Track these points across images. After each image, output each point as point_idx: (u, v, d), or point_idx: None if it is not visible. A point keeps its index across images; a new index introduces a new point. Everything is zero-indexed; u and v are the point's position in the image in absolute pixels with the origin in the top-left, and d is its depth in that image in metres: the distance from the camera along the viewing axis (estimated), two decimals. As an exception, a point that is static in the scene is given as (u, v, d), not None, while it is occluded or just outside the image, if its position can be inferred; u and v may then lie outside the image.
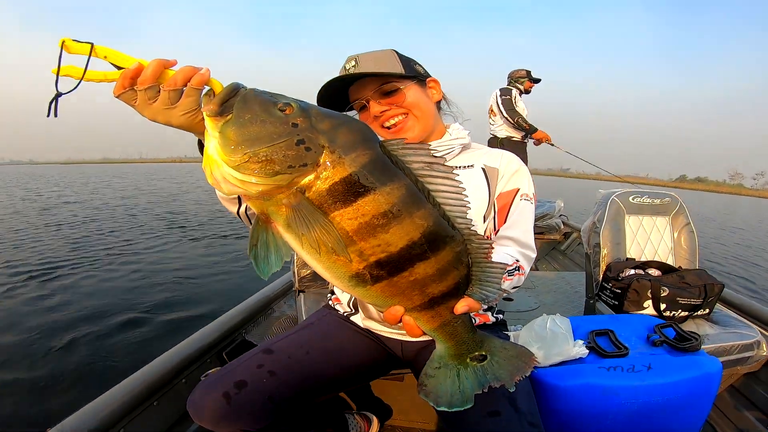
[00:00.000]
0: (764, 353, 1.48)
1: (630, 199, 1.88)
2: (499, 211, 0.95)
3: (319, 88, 0.92)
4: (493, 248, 0.59)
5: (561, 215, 3.53)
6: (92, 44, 0.50)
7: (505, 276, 0.83)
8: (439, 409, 0.62)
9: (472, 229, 0.57)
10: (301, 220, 0.50)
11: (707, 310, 1.59)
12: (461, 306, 0.59)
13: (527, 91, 3.97)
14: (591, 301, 1.71)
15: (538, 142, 4.01)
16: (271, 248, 0.53)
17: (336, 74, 0.93)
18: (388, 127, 0.94)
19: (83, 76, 0.50)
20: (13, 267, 4.30)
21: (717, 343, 1.42)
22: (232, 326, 1.61)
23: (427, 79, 1.00)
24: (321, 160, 0.49)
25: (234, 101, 0.49)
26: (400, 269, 0.54)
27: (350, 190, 0.50)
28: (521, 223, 0.94)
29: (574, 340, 1.07)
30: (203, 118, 0.50)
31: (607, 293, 1.63)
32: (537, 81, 3.99)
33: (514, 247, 0.92)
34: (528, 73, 3.93)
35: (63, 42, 0.49)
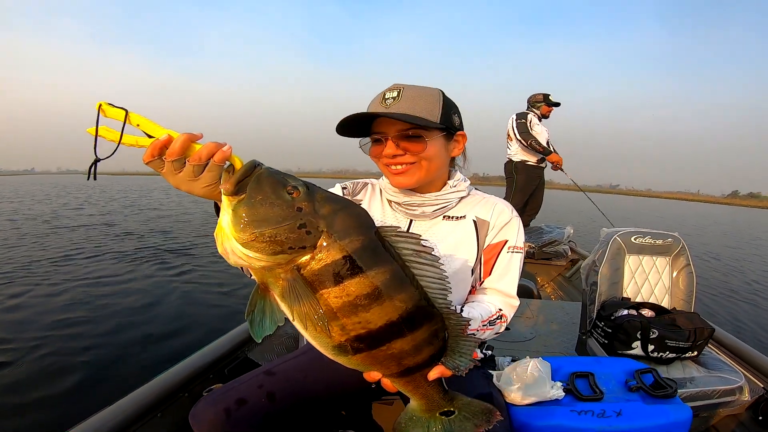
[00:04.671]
0: (746, 398, 1.55)
1: (632, 239, 1.95)
2: (485, 263, 1.00)
3: (346, 114, 0.86)
4: (469, 325, 0.65)
5: (570, 241, 3.59)
6: (126, 111, 0.55)
7: (486, 327, 0.93)
8: None
9: (451, 308, 0.62)
10: (293, 293, 0.54)
11: (695, 353, 1.66)
12: (434, 373, 0.64)
13: (545, 116, 4.03)
14: (584, 338, 1.80)
15: (555, 166, 4.08)
16: (267, 314, 0.57)
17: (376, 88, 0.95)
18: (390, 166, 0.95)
19: (119, 141, 0.54)
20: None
21: (700, 386, 1.50)
22: (235, 344, 1.65)
23: (456, 133, 0.97)
24: (318, 243, 0.53)
25: (248, 181, 0.53)
26: (379, 344, 0.58)
27: (339, 272, 0.53)
28: (506, 275, 0.99)
29: (555, 380, 1.18)
30: None
31: (598, 331, 1.72)
32: (555, 105, 4.04)
33: (498, 296, 0.99)
34: (545, 97, 3.99)
35: (100, 105, 0.53)
